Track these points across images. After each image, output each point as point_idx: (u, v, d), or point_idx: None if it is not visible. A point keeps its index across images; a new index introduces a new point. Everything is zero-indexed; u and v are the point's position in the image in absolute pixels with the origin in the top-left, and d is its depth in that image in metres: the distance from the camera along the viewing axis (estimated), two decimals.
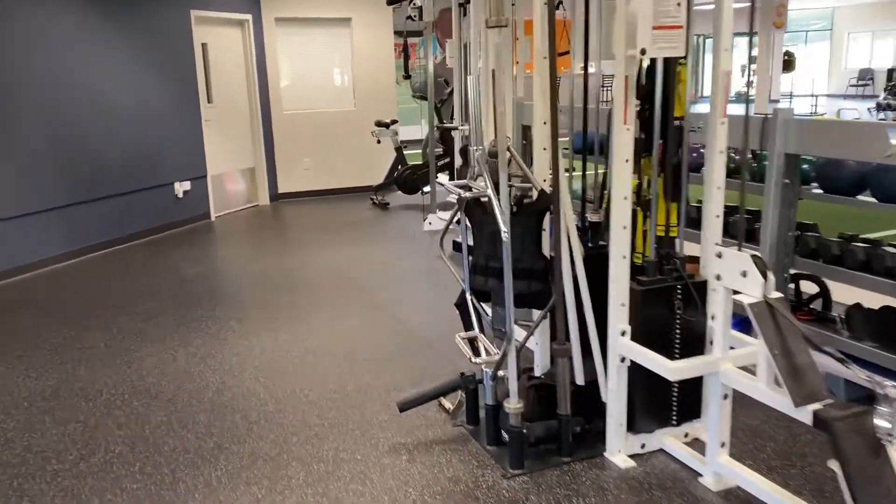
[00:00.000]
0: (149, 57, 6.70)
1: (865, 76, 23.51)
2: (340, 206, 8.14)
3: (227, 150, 7.86)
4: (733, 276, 2.37)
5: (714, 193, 2.68)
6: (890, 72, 23.53)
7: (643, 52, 2.42)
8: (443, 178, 8.36)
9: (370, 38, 8.69)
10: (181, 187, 7.11)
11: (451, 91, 8.04)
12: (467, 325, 3.18)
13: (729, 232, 3.27)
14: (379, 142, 7.99)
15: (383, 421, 3.14)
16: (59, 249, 5.92)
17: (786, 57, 5.42)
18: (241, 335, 4.22)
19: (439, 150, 8.29)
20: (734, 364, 2.48)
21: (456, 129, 6.63)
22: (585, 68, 3.32)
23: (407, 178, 7.99)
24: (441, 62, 15.49)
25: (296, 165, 8.59)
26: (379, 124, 7.98)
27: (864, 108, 16.28)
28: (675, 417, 2.79)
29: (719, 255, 2.44)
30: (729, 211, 3.17)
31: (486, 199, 2.83)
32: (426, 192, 8.02)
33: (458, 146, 7.06)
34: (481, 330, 3.08)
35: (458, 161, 7.08)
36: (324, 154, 8.68)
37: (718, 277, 2.47)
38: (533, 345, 3.26)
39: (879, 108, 14.54)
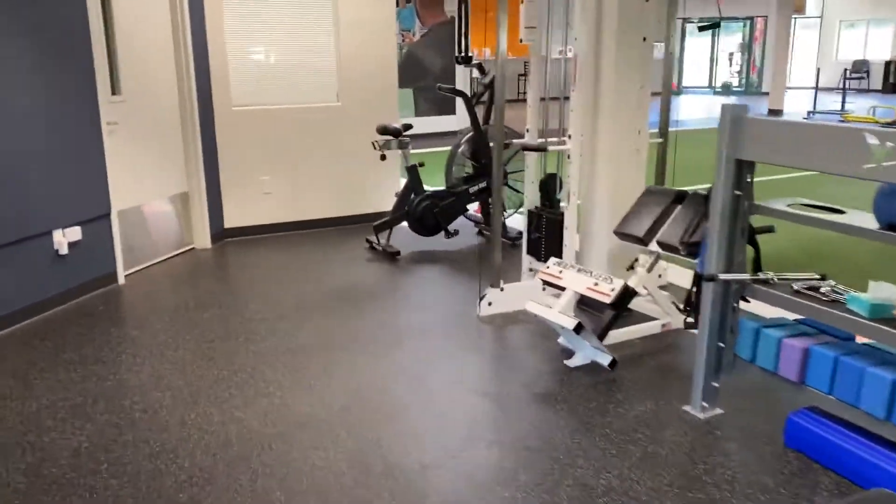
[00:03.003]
0: (5, 19, 3.80)
1: (860, 68, 21.82)
2: (321, 253, 5.37)
3: (144, 168, 5.00)
4: None
5: None
6: (888, 64, 21.99)
7: None
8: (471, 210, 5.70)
9: (364, 2, 5.91)
10: (65, 237, 4.24)
11: (490, 83, 5.38)
12: None
13: None
14: (384, 157, 5.25)
15: None
16: None
17: None
18: None
19: (466, 169, 5.63)
20: None
21: (543, 149, 3.91)
22: None
23: (425, 211, 5.29)
24: (419, 42, 12.74)
25: (251, 188, 5.78)
26: (384, 131, 5.24)
27: None
28: None
29: None
30: None
31: None
32: (453, 235, 5.34)
33: (530, 173, 4.37)
34: None
35: (528, 199, 4.39)
36: (293, 171, 5.89)
37: None
38: None
39: None
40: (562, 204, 3.88)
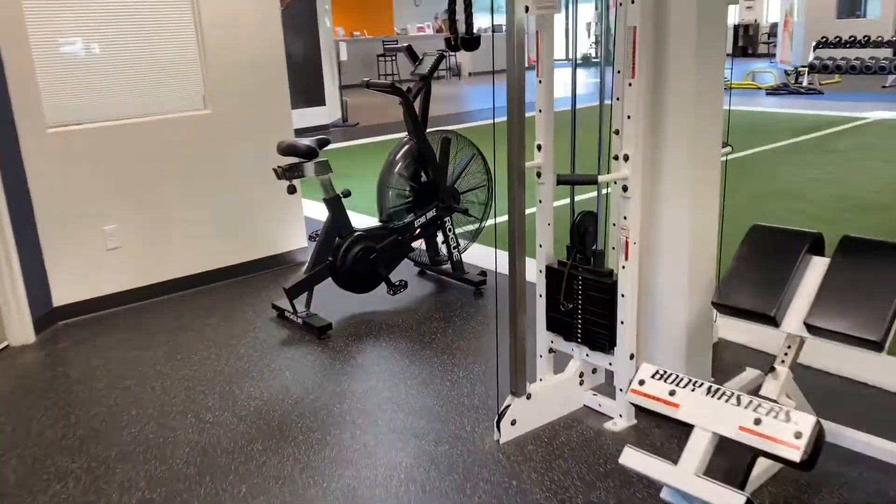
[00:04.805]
0: None
1: None
2: (209, 335, 3.67)
3: None
4: None
5: None
6: (736, 28, 22.39)
7: None
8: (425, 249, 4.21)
9: None
10: None
11: (429, 73, 3.92)
12: None
13: None
14: (293, 189, 3.61)
15: None
16: None
17: None
18: None
19: (406, 194, 4.13)
20: None
21: (592, 182, 2.45)
22: None
23: (359, 259, 3.73)
24: None
25: (89, 243, 3.95)
26: (292, 152, 3.59)
27: (778, 70, 14.16)
28: None
29: None
30: None
31: None
32: (400, 289, 3.86)
33: (545, 211, 2.91)
34: None
35: (543, 249, 2.94)
36: (150, 212, 4.11)
37: None
38: None
39: (813, 69, 12.27)
40: (622, 265, 2.48)
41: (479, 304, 3.92)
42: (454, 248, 4.16)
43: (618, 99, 2.68)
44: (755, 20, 21.62)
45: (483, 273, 4.15)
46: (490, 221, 4.57)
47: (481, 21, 22.42)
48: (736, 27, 21.72)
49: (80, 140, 3.85)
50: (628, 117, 2.41)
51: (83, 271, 3.94)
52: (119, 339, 3.66)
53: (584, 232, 2.67)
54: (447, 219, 4.11)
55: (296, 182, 3.63)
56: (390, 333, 3.59)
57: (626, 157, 2.42)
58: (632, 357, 2.59)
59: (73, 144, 3.82)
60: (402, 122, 3.91)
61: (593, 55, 22.16)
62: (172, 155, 4.13)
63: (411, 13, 20.45)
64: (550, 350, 2.89)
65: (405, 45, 4.07)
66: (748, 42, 21.61)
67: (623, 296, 2.54)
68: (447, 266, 4.25)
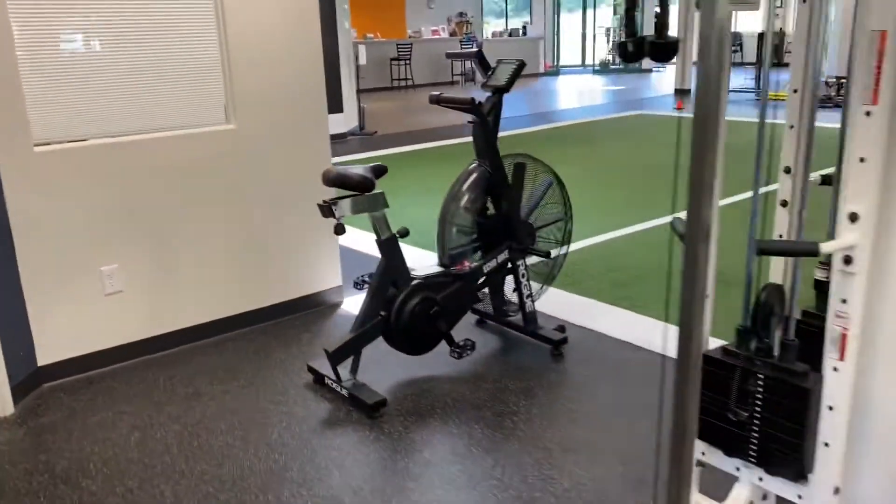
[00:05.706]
0: None
1: (734, 41, 21.37)
2: (231, 407, 2.93)
3: None
4: None
5: None
6: (761, 36, 21.70)
7: None
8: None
9: None
10: None
11: (507, 84, 3.19)
12: None
13: None
14: (342, 230, 2.87)
15: None
16: None
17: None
18: None
19: (465, 227, 3.40)
20: None
21: (812, 253, 1.71)
22: None
23: (417, 314, 2.99)
24: None
25: (82, 288, 3.20)
26: (342, 183, 2.84)
27: None
28: None
29: None
30: None
31: None
32: (467, 351, 3.12)
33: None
34: None
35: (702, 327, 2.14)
36: (158, 249, 3.37)
37: None
38: None
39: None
40: (833, 365, 1.74)
41: (561, 368, 3.18)
42: (527, 296, 3.42)
43: (791, 126, 2.01)
44: (780, 28, 20.93)
45: (562, 328, 3.41)
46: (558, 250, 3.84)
47: (497, 25, 21.74)
48: (760, 35, 21.01)
49: (75, 160, 3.11)
50: (861, 160, 1.67)
51: (75, 322, 3.20)
52: (118, 413, 2.92)
53: (770, 312, 1.93)
54: (520, 262, 3.38)
55: (342, 219, 2.89)
56: (459, 413, 2.84)
57: (854, 217, 1.68)
58: (836, 491, 1.85)
59: (65, 166, 3.08)
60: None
61: (611, 60, 21.41)
62: (187, 179, 3.39)
63: (424, 15, 19.75)
64: (699, 463, 2.15)
65: (475, 49, 3.33)
66: (773, 51, 20.89)
67: (831, 408, 1.80)
68: (516, 317, 3.51)
